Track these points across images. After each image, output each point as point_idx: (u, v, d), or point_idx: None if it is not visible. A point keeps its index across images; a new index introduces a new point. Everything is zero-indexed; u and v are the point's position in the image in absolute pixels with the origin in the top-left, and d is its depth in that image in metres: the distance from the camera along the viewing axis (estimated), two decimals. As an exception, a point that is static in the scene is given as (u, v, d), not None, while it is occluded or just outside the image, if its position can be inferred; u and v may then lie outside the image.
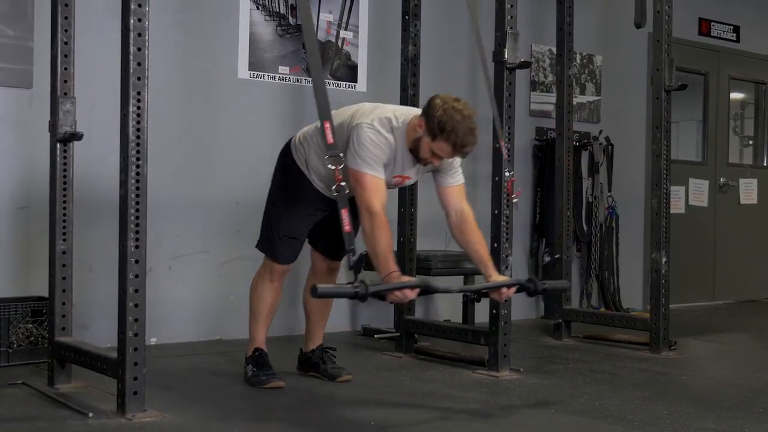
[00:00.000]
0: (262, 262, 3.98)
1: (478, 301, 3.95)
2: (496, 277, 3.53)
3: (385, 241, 3.32)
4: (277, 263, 3.89)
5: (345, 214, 3.07)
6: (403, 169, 3.62)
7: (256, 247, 3.97)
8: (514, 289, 3.44)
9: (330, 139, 3.16)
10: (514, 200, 4.07)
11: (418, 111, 3.58)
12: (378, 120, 3.51)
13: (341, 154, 3.24)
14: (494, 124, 4.03)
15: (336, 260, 4.03)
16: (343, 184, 3.14)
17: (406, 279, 3.29)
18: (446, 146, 3.41)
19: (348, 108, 3.72)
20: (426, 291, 3.24)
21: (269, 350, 3.96)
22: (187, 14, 4.98)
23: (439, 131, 3.39)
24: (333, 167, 3.15)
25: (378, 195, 3.41)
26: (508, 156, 4.12)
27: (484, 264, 3.56)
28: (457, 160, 3.67)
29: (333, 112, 3.59)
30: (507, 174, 3.89)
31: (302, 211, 3.84)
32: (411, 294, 3.15)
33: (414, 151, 3.53)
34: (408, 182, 3.78)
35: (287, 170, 3.85)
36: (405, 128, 3.54)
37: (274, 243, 3.86)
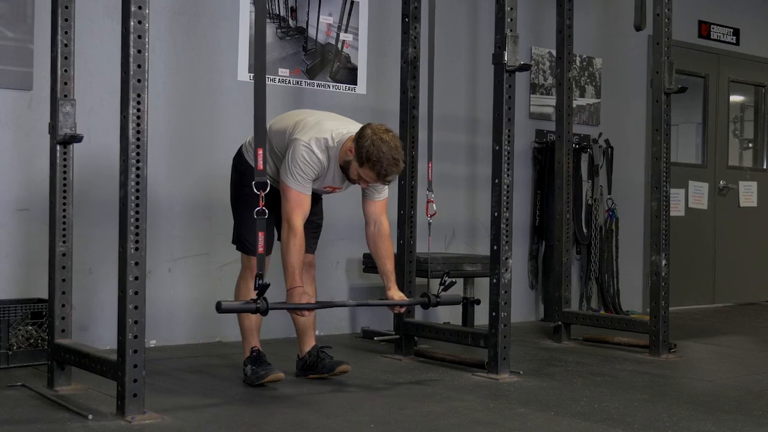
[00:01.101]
0: (241, 263, 4.05)
1: (478, 303, 4.27)
2: (394, 293, 3.95)
3: (297, 255, 3.69)
4: (252, 256, 3.90)
5: (261, 237, 3.45)
6: (333, 182, 3.90)
7: (232, 242, 4.10)
8: (405, 309, 4.12)
9: (260, 166, 3.45)
10: (429, 221, 4.20)
11: (355, 131, 3.81)
12: (315, 140, 3.76)
13: (268, 181, 3.50)
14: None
15: (308, 253, 4.11)
16: (264, 209, 3.44)
17: (306, 300, 3.74)
18: (371, 174, 3.72)
19: (294, 114, 4.00)
20: (323, 307, 3.87)
21: (267, 353, 3.97)
22: (187, 16, 4.98)
23: (366, 160, 3.68)
24: (258, 192, 3.43)
25: (300, 210, 3.74)
26: (504, 160, 4.16)
27: (387, 277, 3.97)
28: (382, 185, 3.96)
29: (282, 115, 4.03)
30: (427, 193, 4.18)
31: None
32: (308, 314, 3.87)
33: (344, 169, 3.81)
34: (338, 191, 4.04)
35: (242, 170, 3.99)
36: (339, 148, 3.79)
37: (245, 236, 3.96)
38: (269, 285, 3.41)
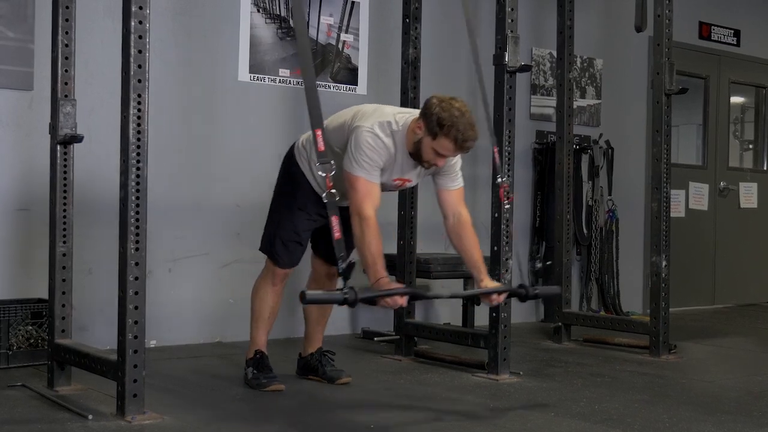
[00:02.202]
0: (265, 265, 3.98)
1: (478, 303, 3.95)
2: (488, 283, 3.55)
3: (375, 246, 3.33)
4: (278, 267, 3.89)
5: (335, 222, 3.06)
6: (402, 172, 3.63)
7: (259, 249, 3.97)
8: (504, 295, 3.51)
9: (321, 146, 3.13)
10: (506, 206, 4.08)
11: (417, 113, 3.59)
12: (378, 124, 3.52)
13: (332, 162, 3.18)
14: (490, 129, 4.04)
15: (336, 266, 4.02)
16: (333, 191, 3.11)
17: (395, 286, 3.32)
18: (448, 143, 3.42)
19: (350, 109, 3.74)
20: (415, 297, 3.26)
21: (269, 353, 3.96)
22: (187, 17, 4.98)
23: (439, 128, 3.40)
24: (323, 174, 3.13)
25: (370, 199, 3.42)
26: (505, 161, 4.13)
27: (477, 269, 3.59)
28: (458, 164, 3.70)
29: (336, 113, 3.69)
30: (499, 180, 3.90)
31: (303, 217, 3.84)
32: (400, 300, 3.18)
33: (415, 154, 3.53)
34: (408, 185, 3.80)
35: (290, 175, 3.87)
36: (405, 131, 3.54)
37: (276, 247, 3.87)
38: (354, 264, 3.09)
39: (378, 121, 3.53)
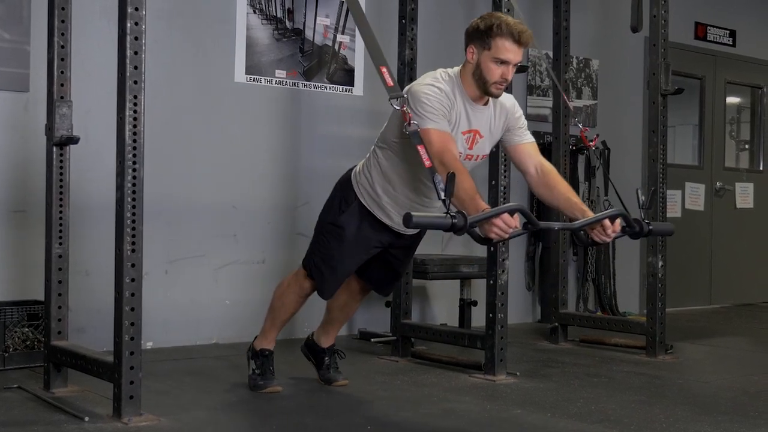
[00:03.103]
0: (297, 272, 3.85)
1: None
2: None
3: (467, 183, 3.02)
4: (317, 293, 3.81)
5: (422, 151, 2.95)
6: (469, 123, 3.43)
7: (303, 266, 3.79)
8: (618, 224, 3.13)
9: (389, 81, 3.07)
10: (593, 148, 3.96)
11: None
12: (430, 77, 3.41)
13: (405, 94, 3.14)
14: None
15: (376, 291, 3.99)
16: (415, 122, 3.05)
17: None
18: (506, 41, 3.28)
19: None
20: (527, 222, 2.89)
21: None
22: (183, 18, 4.98)
23: (490, 32, 3.29)
24: (398, 107, 3.05)
25: (447, 147, 3.19)
26: (501, 162, 4.12)
27: (580, 209, 3.29)
28: (523, 119, 3.57)
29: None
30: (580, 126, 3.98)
31: (360, 253, 3.69)
32: (513, 221, 2.81)
33: (480, 84, 3.37)
34: (480, 142, 3.50)
35: (345, 204, 3.67)
36: (458, 74, 3.42)
37: (325, 278, 3.71)
38: (455, 175, 2.73)
39: (429, 76, 3.43)
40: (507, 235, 2.84)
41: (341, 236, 3.63)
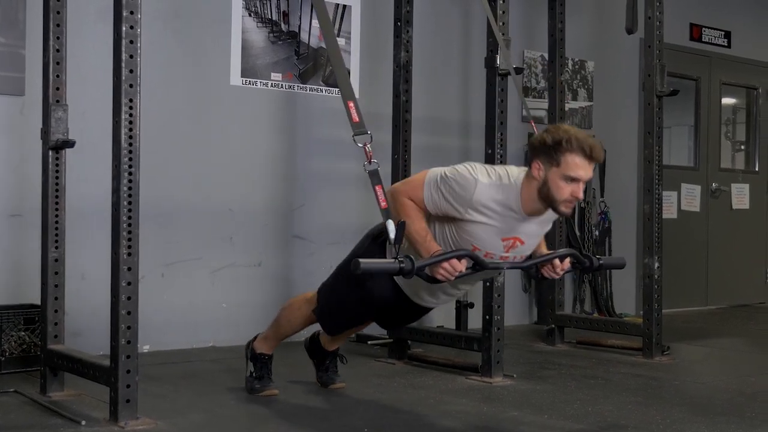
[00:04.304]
0: (311, 297, 3.76)
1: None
2: (546, 250, 3.29)
3: (419, 222, 3.08)
4: (325, 333, 3.81)
5: (379, 191, 2.87)
6: (515, 232, 3.18)
7: (313, 312, 3.70)
8: (568, 262, 3.19)
9: (356, 117, 2.96)
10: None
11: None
12: (483, 169, 3.15)
13: (368, 132, 2.98)
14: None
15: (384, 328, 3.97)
16: (375, 161, 2.91)
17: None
18: (576, 157, 3.04)
19: None
20: (475, 264, 2.98)
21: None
22: (179, 21, 4.98)
23: (559, 148, 3.04)
24: (361, 145, 2.92)
25: (409, 199, 3.15)
26: (497, 164, 4.11)
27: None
28: None
29: None
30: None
31: (371, 311, 3.63)
32: (459, 266, 2.90)
33: (546, 201, 3.10)
34: (520, 248, 3.24)
35: (373, 247, 3.45)
36: (520, 186, 3.13)
37: (328, 321, 3.67)
38: (405, 223, 2.83)
39: (485, 168, 3.16)
40: (452, 278, 2.91)
41: (361, 293, 3.48)
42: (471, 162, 3.20)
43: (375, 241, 3.45)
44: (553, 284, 5.47)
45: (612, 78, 7.01)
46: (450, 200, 3.11)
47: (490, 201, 3.09)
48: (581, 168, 3.06)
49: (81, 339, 4.43)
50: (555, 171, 3.05)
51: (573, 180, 3.06)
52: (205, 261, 5.06)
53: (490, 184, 3.10)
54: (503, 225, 3.14)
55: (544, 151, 3.08)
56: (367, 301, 3.51)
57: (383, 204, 2.85)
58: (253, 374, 3.86)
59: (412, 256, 2.81)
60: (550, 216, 3.23)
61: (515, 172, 3.18)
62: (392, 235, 2.80)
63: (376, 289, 3.46)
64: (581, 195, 3.12)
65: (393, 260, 2.78)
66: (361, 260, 2.73)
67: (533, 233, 3.24)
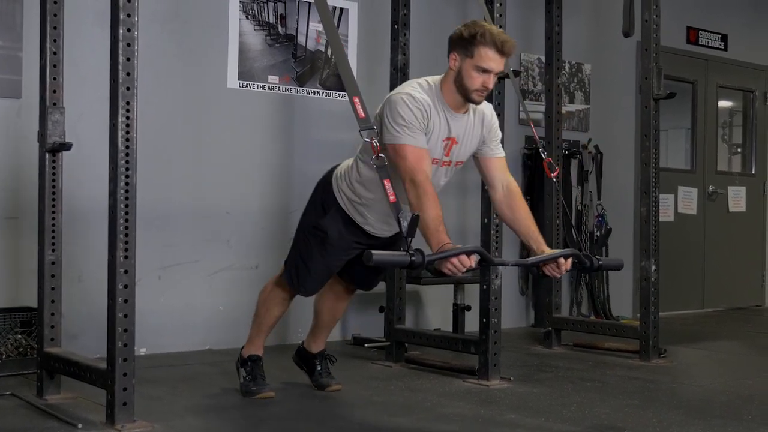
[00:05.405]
0: (277, 275, 3.88)
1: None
2: (548, 250, 3.32)
3: (434, 211, 3.07)
4: (295, 292, 3.83)
5: (387, 185, 2.89)
6: (449, 130, 3.40)
7: (281, 277, 3.82)
8: (570, 262, 3.22)
9: (361, 113, 3.03)
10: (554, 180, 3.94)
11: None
12: (409, 86, 3.39)
13: (375, 127, 3.09)
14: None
15: (360, 288, 4.00)
16: (381, 155, 2.95)
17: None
18: (487, 50, 3.26)
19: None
20: (483, 260, 2.99)
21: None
22: (176, 24, 4.98)
23: (474, 40, 3.26)
24: (368, 140, 2.98)
25: (420, 165, 3.19)
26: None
27: (536, 240, 3.36)
28: (498, 132, 3.56)
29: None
30: (544, 154, 3.93)
31: (339, 254, 3.69)
32: (468, 261, 2.88)
33: (461, 90, 3.34)
34: (455, 149, 3.47)
35: (325, 207, 3.68)
36: (439, 84, 3.40)
37: (302, 278, 3.73)
38: (418, 216, 2.83)
39: (407, 84, 3.42)
40: (460, 273, 2.92)
41: (323, 239, 3.64)
42: (399, 93, 3.34)
43: (324, 192, 3.69)
44: (550, 287, 5.47)
45: (609, 81, 7.02)
46: (423, 128, 3.29)
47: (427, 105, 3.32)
48: (492, 60, 3.28)
49: (78, 342, 4.43)
50: (469, 62, 3.30)
51: (484, 71, 3.29)
52: (202, 264, 5.05)
53: (421, 91, 3.34)
54: (439, 125, 3.36)
55: (460, 43, 3.32)
56: (328, 245, 3.64)
57: (392, 198, 2.87)
58: (246, 378, 3.86)
59: (422, 251, 2.78)
60: (476, 119, 3.47)
61: (437, 77, 3.44)
62: (404, 227, 2.79)
63: (331, 228, 3.61)
64: (491, 86, 3.35)
65: (404, 253, 2.76)
66: (373, 252, 2.70)
67: (464, 134, 3.45)
